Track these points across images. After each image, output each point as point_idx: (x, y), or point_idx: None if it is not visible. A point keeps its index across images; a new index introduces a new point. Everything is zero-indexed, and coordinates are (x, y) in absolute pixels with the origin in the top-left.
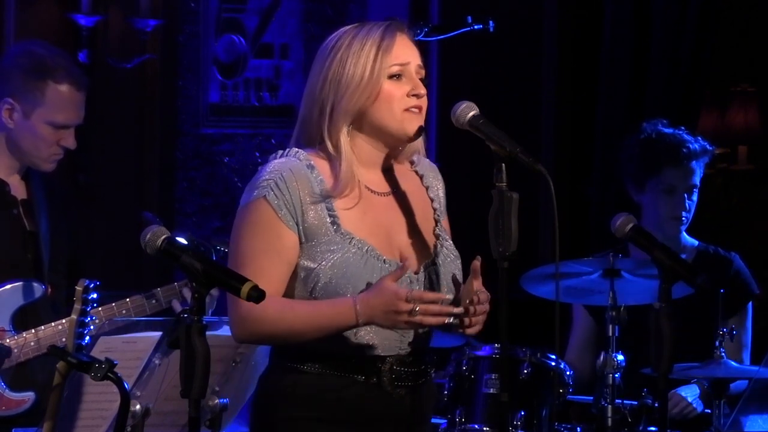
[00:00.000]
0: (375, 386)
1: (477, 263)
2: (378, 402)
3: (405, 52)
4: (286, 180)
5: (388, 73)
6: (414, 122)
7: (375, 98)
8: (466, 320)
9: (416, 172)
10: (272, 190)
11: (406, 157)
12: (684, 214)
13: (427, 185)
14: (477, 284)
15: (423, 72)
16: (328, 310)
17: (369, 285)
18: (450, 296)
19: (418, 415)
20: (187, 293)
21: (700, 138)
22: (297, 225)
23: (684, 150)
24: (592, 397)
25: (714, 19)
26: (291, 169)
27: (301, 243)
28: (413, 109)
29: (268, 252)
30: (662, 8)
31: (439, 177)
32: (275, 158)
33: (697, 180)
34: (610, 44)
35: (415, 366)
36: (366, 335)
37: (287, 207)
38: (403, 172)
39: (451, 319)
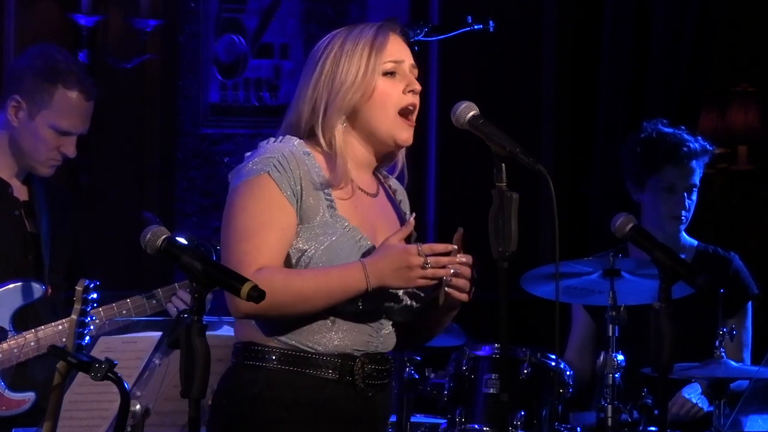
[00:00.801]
0: (348, 385)
1: (459, 234)
2: (351, 401)
3: (399, 50)
4: (288, 160)
5: (382, 70)
6: (404, 132)
7: (369, 96)
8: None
9: (390, 185)
10: (275, 168)
11: (387, 162)
12: (683, 213)
13: (399, 200)
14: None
15: (416, 72)
16: (337, 274)
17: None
18: (456, 247)
19: (384, 413)
20: (184, 295)
21: (700, 138)
22: (297, 203)
23: (685, 149)
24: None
25: (714, 19)
26: (291, 151)
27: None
28: (409, 108)
29: (271, 225)
30: (662, 8)
31: (406, 195)
32: (267, 144)
33: (696, 179)
34: (610, 44)
35: (383, 364)
36: (338, 332)
37: (290, 184)
38: (382, 182)
39: (451, 274)
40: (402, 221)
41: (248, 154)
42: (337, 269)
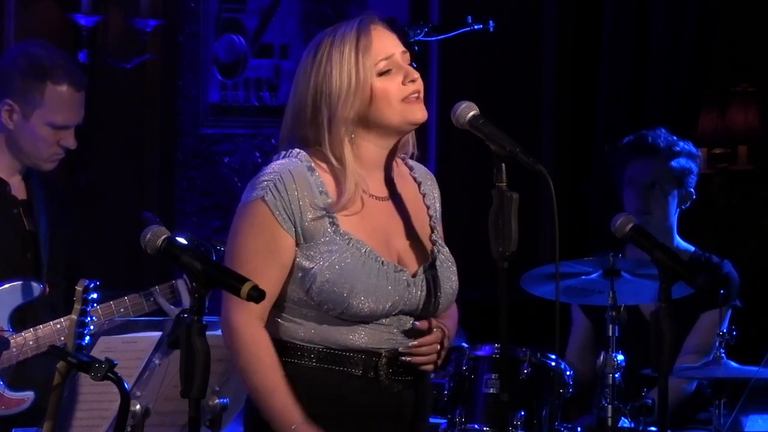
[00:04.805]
0: (372, 381)
1: (418, 325)
2: (375, 397)
3: (385, 45)
4: (285, 182)
5: (376, 71)
6: (416, 110)
7: (370, 99)
8: (420, 358)
9: (414, 178)
10: (271, 192)
11: (399, 151)
12: (643, 210)
13: (424, 192)
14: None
15: (408, 56)
16: (278, 408)
17: (366, 285)
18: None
19: (417, 410)
20: (181, 287)
21: (680, 141)
22: (294, 227)
23: (645, 141)
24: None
25: (714, 19)
26: (291, 170)
27: (298, 244)
28: (412, 95)
29: (262, 252)
30: (662, 8)
31: (436, 185)
32: (278, 158)
33: (662, 179)
34: (610, 44)
35: None
36: (364, 331)
37: (285, 209)
38: (402, 176)
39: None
40: (420, 220)
41: (264, 166)
42: (281, 404)
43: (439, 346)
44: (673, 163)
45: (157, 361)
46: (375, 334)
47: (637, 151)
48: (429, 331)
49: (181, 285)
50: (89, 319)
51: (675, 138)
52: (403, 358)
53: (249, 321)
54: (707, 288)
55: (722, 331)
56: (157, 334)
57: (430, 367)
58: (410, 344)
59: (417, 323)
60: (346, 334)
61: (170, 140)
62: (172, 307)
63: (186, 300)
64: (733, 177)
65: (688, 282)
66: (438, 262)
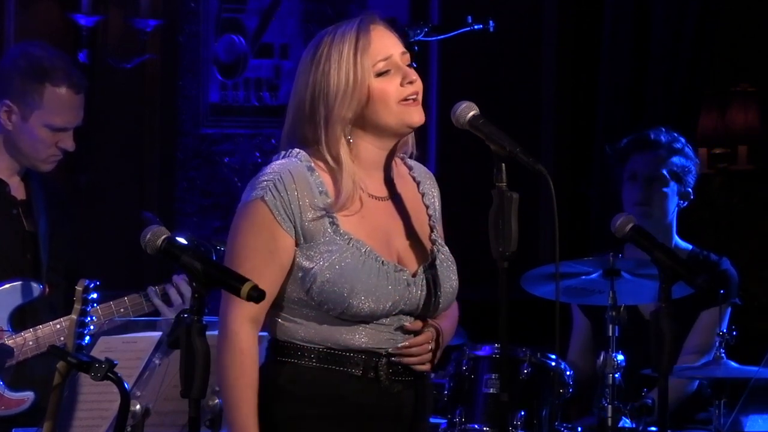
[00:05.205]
0: (372, 381)
1: (409, 326)
2: (376, 397)
3: (384, 45)
4: (285, 182)
5: (374, 71)
6: (413, 113)
7: (367, 100)
8: (411, 359)
9: (413, 178)
10: (270, 191)
11: (398, 151)
12: (643, 204)
13: (423, 192)
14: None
15: (408, 57)
16: (240, 424)
17: (367, 285)
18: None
19: (417, 410)
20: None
21: (682, 138)
22: (294, 227)
23: (648, 137)
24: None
25: (714, 19)
26: (290, 170)
27: (298, 244)
28: (410, 97)
29: (262, 252)
30: (662, 8)
31: (435, 184)
32: (278, 158)
33: (663, 172)
34: (610, 44)
35: None
36: (364, 332)
37: (284, 209)
38: (401, 176)
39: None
40: (419, 219)
41: (265, 166)
42: (244, 419)
43: (432, 346)
44: (675, 159)
45: (157, 361)
46: (375, 334)
47: (639, 146)
48: (421, 331)
49: (169, 288)
50: (89, 319)
51: (677, 134)
52: (393, 359)
53: (243, 324)
54: (707, 288)
55: (722, 331)
56: (157, 334)
57: (423, 367)
58: (399, 345)
59: (408, 323)
60: (346, 335)
61: (170, 140)
62: (166, 307)
63: (176, 300)
64: (733, 177)
65: (688, 282)
66: (438, 262)
